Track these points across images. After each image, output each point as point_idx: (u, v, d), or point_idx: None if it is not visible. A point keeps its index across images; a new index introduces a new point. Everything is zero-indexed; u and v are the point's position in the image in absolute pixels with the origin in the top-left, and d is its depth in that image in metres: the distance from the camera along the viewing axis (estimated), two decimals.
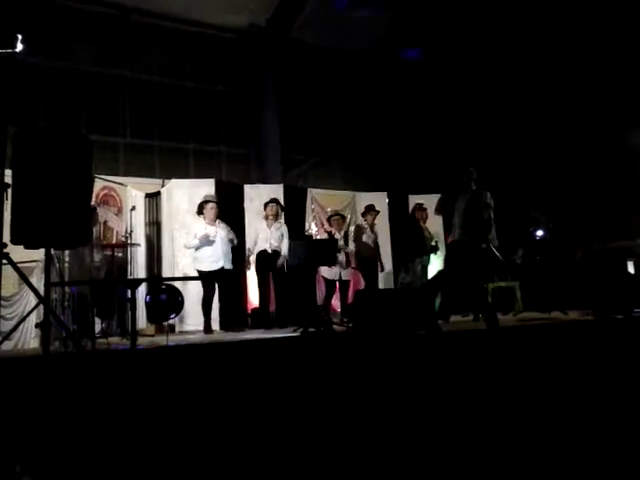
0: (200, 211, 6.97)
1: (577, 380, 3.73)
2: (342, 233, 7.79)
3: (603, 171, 9.75)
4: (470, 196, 6.05)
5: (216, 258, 6.77)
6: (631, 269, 7.59)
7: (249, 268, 7.46)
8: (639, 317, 5.89)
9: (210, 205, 6.91)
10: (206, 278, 6.69)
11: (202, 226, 6.87)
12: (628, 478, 2.20)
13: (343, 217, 8.09)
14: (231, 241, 6.97)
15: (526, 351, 4.50)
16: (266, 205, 7.47)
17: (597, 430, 2.82)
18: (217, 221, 6.93)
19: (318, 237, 8.31)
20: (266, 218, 7.40)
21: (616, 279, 6.53)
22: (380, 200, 8.91)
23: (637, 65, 9.49)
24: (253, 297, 8.01)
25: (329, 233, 7.69)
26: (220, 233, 6.85)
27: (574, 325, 5.79)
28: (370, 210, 8.12)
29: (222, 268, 6.79)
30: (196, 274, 6.77)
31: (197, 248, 6.79)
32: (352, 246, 7.89)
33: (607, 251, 7.56)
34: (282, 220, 7.57)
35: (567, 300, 7.10)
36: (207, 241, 6.74)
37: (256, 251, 7.27)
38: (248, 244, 7.50)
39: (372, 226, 8.07)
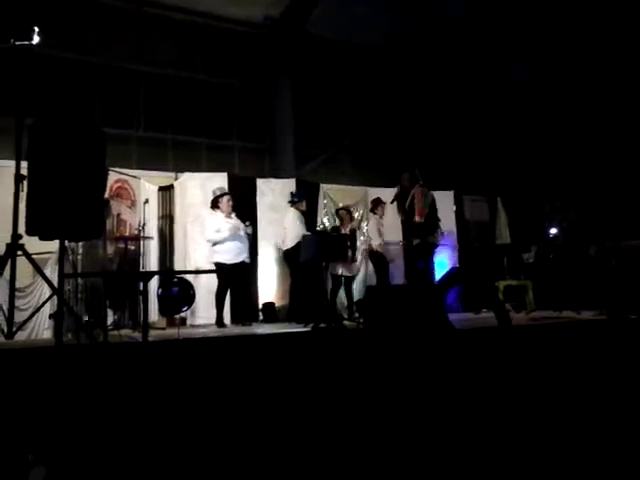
0: (215, 204, 6.93)
1: (588, 379, 3.70)
2: (348, 229, 7.72)
3: (617, 169, 9.65)
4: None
5: (240, 251, 6.76)
6: None
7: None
8: None
9: (227, 198, 6.90)
10: (226, 271, 6.61)
11: (221, 219, 6.80)
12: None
13: (349, 212, 8.04)
14: (249, 235, 6.98)
15: (537, 350, 4.47)
16: (300, 201, 7.59)
17: (608, 428, 2.81)
18: (233, 213, 6.92)
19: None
20: (301, 213, 7.53)
21: (629, 278, 6.46)
22: (390, 196, 8.86)
23: None
24: (264, 291, 8.03)
25: (335, 228, 7.67)
26: (241, 227, 6.85)
27: (587, 324, 5.74)
28: (379, 204, 8.09)
29: (243, 262, 6.81)
30: (212, 267, 6.70)
31: (224, 241, 6.71)
32: (377, 241, 7.89)
33: (620, 250, 7.47)
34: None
35: (580, 299, 7.04)
36: (235, 234, 6.72)
37: (288, 245, 7.33)
38: (274, 239, 7.68)
39: (380, 219, 8.05)
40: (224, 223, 6.76)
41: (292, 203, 7.65)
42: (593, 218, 9.15)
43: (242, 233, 6.85)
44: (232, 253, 6.70)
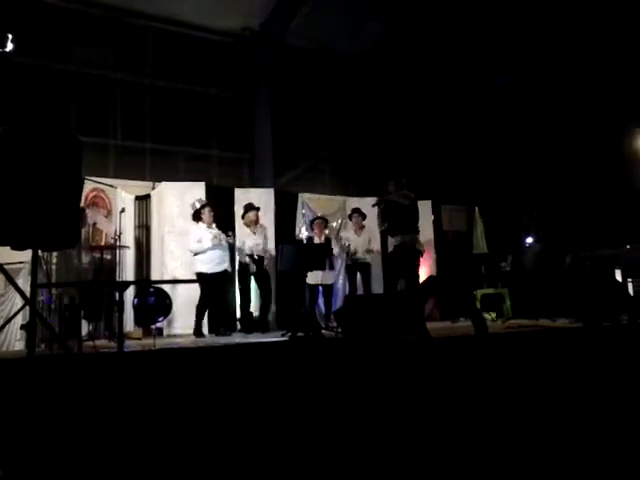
0: (197, 216, 7.01)
1: (565, 386, 3.74)
2: (323, 237, 7.74)
3: (592, 179, 9.82)
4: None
5: (221, 260, 6.89)
6: (619, 277, 7.63)
7: (253, 271, 7.47)
8: (626, 324, 5.93)
9: (208, 209, 7.04)
10: (208, 280, 6.72)
11: (203, 230, 6.92)
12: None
13: (325, 220, 8.06)
14: (229, 244, 7.06)
15: (514, 357, 4.50)
16: (247, 212, 7.50)
17: (584, 433, 2.83)
18: (213, 224, 6.99)
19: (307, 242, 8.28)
20: (248, 225, 7.44)
21: (604, 287, 6.56)
22: (369, 206, 8.90)
23: (624, 73, 9.59)
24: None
25: (309, 238, 7.68)
26: (222, 237, 6.92)
27: (562, 332, 5.81)
28: (355, 213, 8.14)
29: (225, 271, 6.92)
30: (190, 277, 6.80)
31: (205, 252, 6.83)
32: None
33: (595, 259, 7.59)
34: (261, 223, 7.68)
35: (555, 307, 7.13)
36: (217, 244, 6.81)
37: (243, 257, 7.32)
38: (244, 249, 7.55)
39: (359, 229, 8.07)
40: (206, 233, 6.86)
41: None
42: (569, 227, 9.29)
43: (224, 243, 6.93)
44: (213, 262, 6.82)
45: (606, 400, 3.44)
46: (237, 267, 7.44)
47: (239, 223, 8.03)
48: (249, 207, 7.51)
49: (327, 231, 7.92)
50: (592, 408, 3.31)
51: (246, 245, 7.33)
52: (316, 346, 5.10)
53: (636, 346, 4.90)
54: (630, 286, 7.49)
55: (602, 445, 2.66)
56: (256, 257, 7.24)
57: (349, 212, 8.34)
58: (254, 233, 7.39)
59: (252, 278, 7.41)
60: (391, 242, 6.68)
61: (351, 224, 8.22)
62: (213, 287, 6.80)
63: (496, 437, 2.81)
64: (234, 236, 7.40)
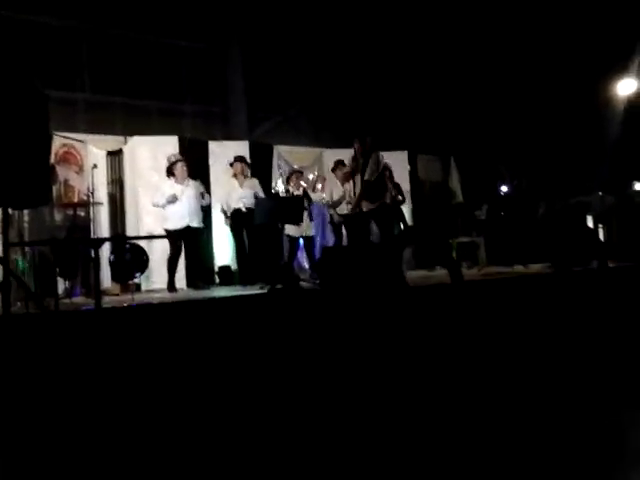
0: (170, 171, 6.87)
1: (538, 330, 3.84)
2: (301, 190, 7.68)
3: (564, 128, 9.88)
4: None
5: (181, 216, 6.71)
6: (590, 223, 7.78)
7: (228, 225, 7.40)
8: (596, 269, 6.08)
9: (180, 164, 6.87)
10: (172, 236, 6.65)
11: (169, 185, 6.81)
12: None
13: (301, 173, 7.99)
14: (202, 195, 6.91)
15: (489, 304, 4.60)
16: (231, 164, 7.40)
17: (560, 378, 2.93)
18: (186, 179, 6.85)
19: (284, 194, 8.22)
20: (235, 177, 7.33)
21: (575, 233, 6.69)
22: (347, 156, 8.84)
23: (599, 24, 9.54)
24: (219, 254, 7.98)
25: (287, 191, 7.61)
26: (187, 191, 6.78)
27: (535, 278, 5.94)
28: (339, 165, 8.04)
29: (188, 226, 6.73)
30: (164, 233, 6.72)
31: (164, 206, 6.73)
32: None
33: (568, 206, 7.71)
34: (250, 176, 7.51)
35: (529, 254, 7.26)
36: (173, 200, 6.67)
37: (230, 210, 7.24)
38: (220, 202, 7.45)
39: (343, 181, 8.00)
40: (169, 189, 6.73)
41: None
42: (543, 176, 9.39)
43: (185, 198, 6.72)
44: (173, 219, 6.70)
45: (579, 342, 3.55)
46: (230, 221, 7.33)
47: (214, 175, 7.95)
48: (235, 158, 7.41)
49: (304, 183, 7.86)
50: (567, 350, 3.42)
51: (232, 198, 7.23)
52: (294, 298, 5.14)
53: (605, 290, 5.05)
54: (601, 232, 7.65)
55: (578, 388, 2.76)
56: (244, 210, 7.15)
57: (332, 165, 8.21)
58: (241, 186, 7.27)
59: (232, 232, 7.35)
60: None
61: (334, 176, 8.12)
62: (179, 242, 6.73)
63: (475, 386, 2.89)
64: (207, 188, 7.31)
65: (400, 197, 7.92)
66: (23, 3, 8.04)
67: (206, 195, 6.98)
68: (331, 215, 7.96)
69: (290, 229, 7.45)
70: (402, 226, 7.91)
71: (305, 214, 7.45)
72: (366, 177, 6.25)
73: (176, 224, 6.69)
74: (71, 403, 2.70)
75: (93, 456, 2.23)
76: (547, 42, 10.09)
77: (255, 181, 7.45)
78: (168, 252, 6.76)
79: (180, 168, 6.84)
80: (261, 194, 7.24)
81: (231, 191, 7.31)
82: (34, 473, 2.12)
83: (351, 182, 6.94)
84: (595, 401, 2.54)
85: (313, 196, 7.76)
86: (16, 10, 7.96)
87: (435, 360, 3.34)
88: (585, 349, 3.43)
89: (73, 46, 8.55)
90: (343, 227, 7.92)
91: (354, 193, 6.52)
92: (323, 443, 2.22)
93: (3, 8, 7.85)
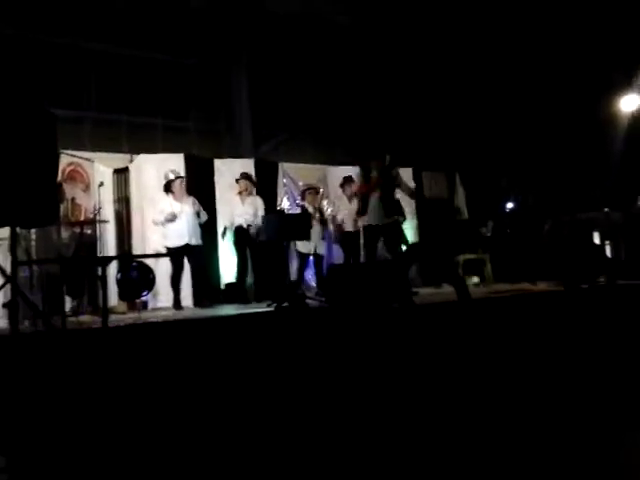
0: (168, 188, 6.88)
1: (547, 347, 3.81)
2: (316, 206, 7.72)
3: (570, 145, 9.89)
4: None
5: (180, 234, 6.71)
6: (597, 240, 7.75)
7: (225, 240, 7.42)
8: (603, 286, 6.05)
9: (179, 181, 6.87)
10: (173, 254, 6.67)
11: (168, 202, 6.83)
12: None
13: (317, 190, 8.02)
14: (197, 215, 6.88)
15: (497, 321, 4.58)
16: (237, 181, 7.44)
17: (567, 392, 2.90)
18: (185, 197, 6.87)
19: (290, 211, 8.24)
20: (239, 194, 7.36)
21: (582, 250, 6.66)
22: (352, 174, 8.86)
23: (603, 38, 9.59)
24: (226, 272, 7.97)
25: (302, 207, 7.64)
26: (185, 209, 6.78)
27: (542, 296, 5.91)
28: (347, 181, 8.06)
29: (187, 244, 6.73)
30: (165, 251, 6.73)
31: (164, 225, 6.75)
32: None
33: (574, 222, 7.69)
34: (255, 194, 7.53)
35: (536, 271, 7.23)
36: (172, 218, 6.69)
37: (233, 227, 7.26)
38: (222, 220, 7.48)
39: (351, 198, 8.00)
40: (168, 207, 6.75)
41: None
42: (549, 192, 9.37)
43: (184, 216, 6.71)
44: (173, 237, 6.71)
45: (587, 359, 3.52)
46: (233, 237, 7.33)
47: (220, 193, 7.97)
48: (242, 175, 7.44)
49: (322, 201, 7.92)
50: (574, 367, 3.39)
51: (234, 214, 7.26)
52: (301, 316, 5.13)
53: (613, 307, 5.01)
54: (608, 248, 7.62)
55: (583, 400, 2.73)
56: (245, 227, 7.17)
57: (339, 181, 8.25)
58: (242, 204, 7.30)
59: (235, 248, 7.37)
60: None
61: (342, 192, 8.15)
62: (180, 259, 6.74)
63: (482, 400, 2.87)
64: (213, 206, 7.32)
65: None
66: (30, 22, 8.12)
67: (203, 213, 6.96)
68: (337, 232, 7.97)
69: (300, 245, 7.48)
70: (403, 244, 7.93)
71: (317, 232, 7.49)
72: (407, 192, 6.69)
73: (175, 242, 6.71)
74: (78, 419, 2.69)
75: (98, 470, 2.22)
76: (552, 57, 10.14)
77: (259, 200, 7.46)
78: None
79: (179, 185, 6.84)
80: (261, 212, 7.27)
81: (233, 208, 7.34)
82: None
83: (358, 199, 7.05)
84: (600, 421, 2.51)
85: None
86: (23, 29, 8.05)
87: (441, 377, 3.31)
88: (593, 367, 3.40)
89: (80, 65, 8.63)
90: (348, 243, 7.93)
91: (360, 211, 6.63)
92: (329, 456, 2.20)
93: (10, 27, 7.94)
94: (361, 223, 7.98)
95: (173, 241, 6.71)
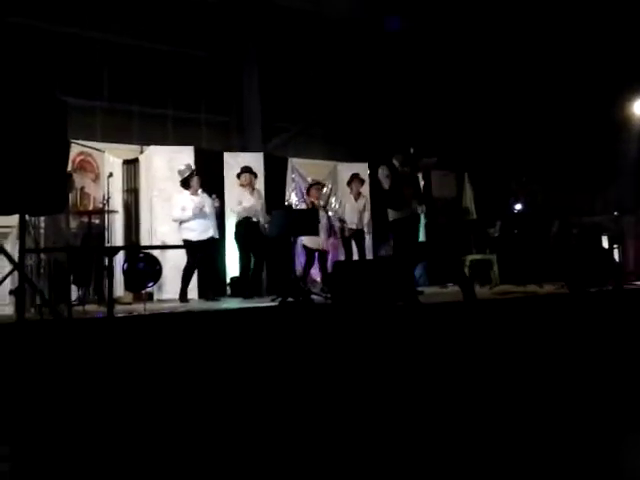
0: (187, 183, 6.94)
1: (551, 350, 3.80)
2: (322, 202, 7.70)
3: (580, 147, 9.83)
4: None
5: (206, 228, 6.85)
6: (605, 244, 7.71)
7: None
8: (611, 290, 6.02)
9: (197, 177, 6.98)
10: (194, 247, 6.71)
11: (187, 197, 6.86)
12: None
13: (322, 186, 7.99)
14: (217, 208, 7.02)
15: (502, 323, 4.56)
16: (238, 175, 7.41)
17: (572, 395, 2.89)
18: (200, 191, 6.92)
19: (299, 207, 8.23)
20: (243, 187, 7.33)
21: (590, 253, 6.63)
22: (361, 171, 8.86)
23: (616, 41, 9.52)
24: (232, 266, 7.98)
25: (312, 203, 7.62)
26: (207, 202, 6.87)
27: (549, 298, 5.89)
28: (355, 179, 8.02)
29: (212, 237, 6.89)
30: (179, 242, 6.78)
31: (189, 219, 6.78)
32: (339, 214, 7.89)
33: (582, 226, 7.65)
34: (257, 188, 7.55)
35: (543, 273, 7.20)
36: (200, 212, 6.76)
37: (241, 216, 7.27)
38: (232, 211, 7.47)
39: (357, 195, 7.98)
40: (189, 202, 6.81)
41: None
42: (557, 194, 9.32)
43: (207, 209, 6.88)
44: (198, 230, 6.79)
45: (592, 363, 3.51)
46: (233, 230, 7.34)
47: (229, 186, 7.97)
48: (244, 169, 7.43)
49: (321, 197, 7.88)
50: (579, 371, 3.38)
51: (242, 205, 7.24)
52: (305, 312, 5.13)
53: (620, 311, 4.99)
54: (616, 253, 7.58)
55: (589, 404, 2.72)
56: (254, 220, 7.18)
57: (348, 178, 8.19)
58: (251, 195, 7.30)
59: (242, 242, 7.37)
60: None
61: (349, 190, 8.10)
62: (200, 254, 6.80)
63: (485, 401, 2.87)
64: (221, 200, 7.33)
65: None
66: (42, 12, 8.14)
67: (217, 200, 7.03)
68: (341, 229, 7.92)
69: (308, 240, 7.47)
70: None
71: (324, 228, 7.47)
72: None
73: (200, 236, 6.79)
74: (82, 408, 2.70)
75: (102, 461, 2.23)
76: (565, 59, 10.07)
77: (262, 193, 7.56)
78: (185, 262, 6.81)
79: (196, 180, 6.95)
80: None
81: (242, 199, 7.32)
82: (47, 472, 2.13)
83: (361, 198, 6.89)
84: (603, 423, 2.51)
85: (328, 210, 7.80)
86: (35, 19, 8.07)
87: (444, 376, 3.31)
88: (599, 371, 3.39)
89: (92, 55, 8.65)
90: (353, 241, 7.90)
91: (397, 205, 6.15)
92: (331, 452, 2.20)
93: (23, 17, 7.96)
94: (366, 220, 7.98)
95: (198, 235, 6.78)
